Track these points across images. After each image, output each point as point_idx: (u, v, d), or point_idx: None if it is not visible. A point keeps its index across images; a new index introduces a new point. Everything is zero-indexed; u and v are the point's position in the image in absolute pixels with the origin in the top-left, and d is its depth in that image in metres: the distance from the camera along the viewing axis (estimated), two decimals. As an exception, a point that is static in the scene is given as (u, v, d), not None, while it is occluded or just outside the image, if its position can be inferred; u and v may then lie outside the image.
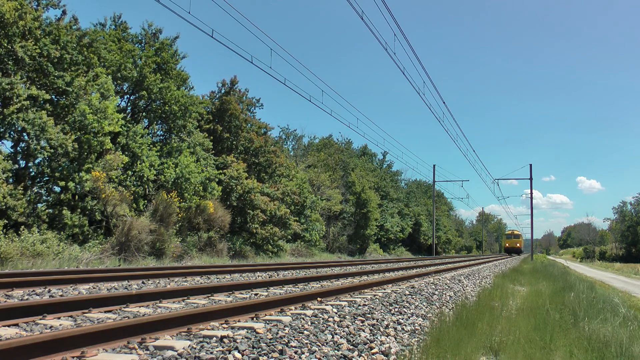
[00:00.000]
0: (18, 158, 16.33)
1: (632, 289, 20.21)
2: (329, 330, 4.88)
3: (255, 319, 5.49)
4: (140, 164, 19.60)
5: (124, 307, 6.18)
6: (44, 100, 16.29)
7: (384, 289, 9.19)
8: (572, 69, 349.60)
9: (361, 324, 5.41)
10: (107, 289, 8.21)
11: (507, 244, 70.67)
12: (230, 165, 25.94)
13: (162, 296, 6.96)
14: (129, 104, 22.04)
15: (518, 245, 69.94)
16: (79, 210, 16.92)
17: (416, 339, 5.34)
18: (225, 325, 4.96)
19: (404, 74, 16.91)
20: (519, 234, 72.39)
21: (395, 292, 8.52)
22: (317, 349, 4.24)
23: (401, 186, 63.30)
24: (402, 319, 6.27)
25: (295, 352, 4.03)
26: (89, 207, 17.13)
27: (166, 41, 22.38)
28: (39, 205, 16.46)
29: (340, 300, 7.27)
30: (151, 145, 20.80)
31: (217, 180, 23.95)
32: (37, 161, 16.55)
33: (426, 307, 7.49)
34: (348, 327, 5.13)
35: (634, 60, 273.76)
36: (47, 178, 16.92)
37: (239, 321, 5.26)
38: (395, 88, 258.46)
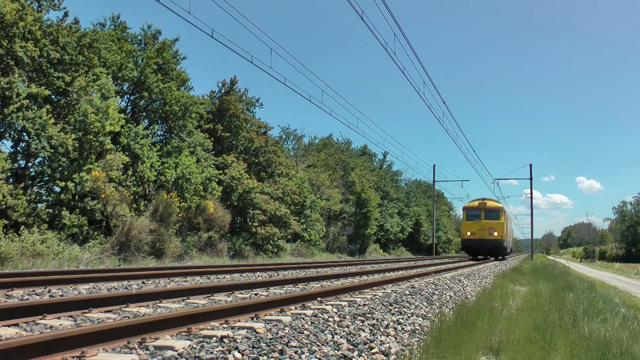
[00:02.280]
0: (18, 158, 16.33)
1: (632, 289, 20.21)
2: (329, 330, 4.87)
3: (255, 318, 5.49)
4: (141, 164, 19.61)
5: (124, 307, 6.17)
6: (43, 99, 16.29)
7: (384, 289, 9.19)
8: (572, 69, 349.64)
9: (361, 324, 5.41)
10: (107, 289, 8.21)
11: (468, 232, 33.17)
12: (230, 165, 25.95)
13: (162, 296, 6.95)
14: (129, 104, 22.04)
15: (496, 234, 32.82)
16: (77, 210, 16.91)
17: (416, 339, 5.34)
18: (225, 325, 4.96)
19: (404, 74, 16.92)
20: (496, 207, 34.00)
21: (395, 292, 8.52)
22: (317, 348, 4.24)
23: (401, 186, 63.27)
24: (402, 318, 6.27)
25: (295, 352, 4.03)
26: (89, 207, 17.13)
27: (167, 42, 22.40)
28: (39, 205, 16.45)
29: (340, 300, 7.27)
30: (152, 146, 20.81)
31: (217, 180, 23.96)
32: (37, 161, 16.56)
33: (426, 307, 7.49)
34: (348, 327, 5.13)
35: (635, 60, 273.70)
36: (47, 178, 16.92)
37: (239, 321, 5.26)
38: (395, 88, 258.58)
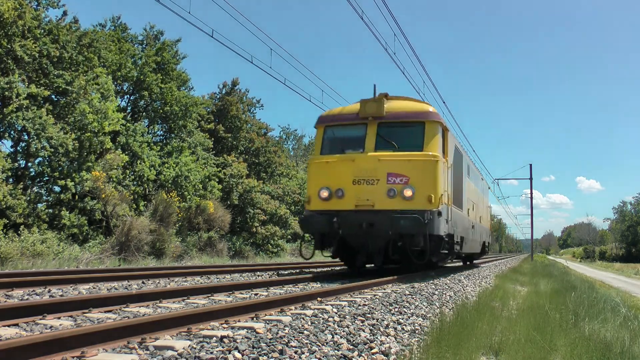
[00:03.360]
0: (18, 158, 16.34)
1: (633, 289, 20.21)
2: (329, 330, 4.87)
3: (255, 319, 5.48)
4: (140, 163, 19.61)
5: (124, 307, 6.16)
6: (43, 99, 16.29)
7: (384, 289, 9.18)
8: (573, 68, 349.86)
9: (361, 324, 5.40)
10: (107, 289, 8.20)
11: (324, 191, 10.45)
12: (230, 164, 25.98)
13: (162, 296, 6.95)
14: (129, 104, 22.05)
15: (410, 193, 9.71)
16: (77, 210, 16.91)
17: (416, 339, 5.34)
18: (225, 325, 4.95)
19: (404, 74, 16.85)
20: (416, 111, 10.62)
21: (395, 292, 8.51)
22: (317, 348, 4.23)
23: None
24: (402, 318, 6.26)
25: (295, 352, 4.03)
26: (89, 207, 17.13)
27: (168, 42, 22.40)
28: (39, 205, 16.45)
29: (340, 300, 7.26)
30: (152, 145, 20.83)
31: (217, 180, 23.96)
32: (37, 161, 16.56)
33: (426, 307, 7.48)
34: (348, 327, 5.12)
35: (635, 59, 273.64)
36: (47, 178, 16.92)
37: (239, 321, 5.25)
38: (395, 88, 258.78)
